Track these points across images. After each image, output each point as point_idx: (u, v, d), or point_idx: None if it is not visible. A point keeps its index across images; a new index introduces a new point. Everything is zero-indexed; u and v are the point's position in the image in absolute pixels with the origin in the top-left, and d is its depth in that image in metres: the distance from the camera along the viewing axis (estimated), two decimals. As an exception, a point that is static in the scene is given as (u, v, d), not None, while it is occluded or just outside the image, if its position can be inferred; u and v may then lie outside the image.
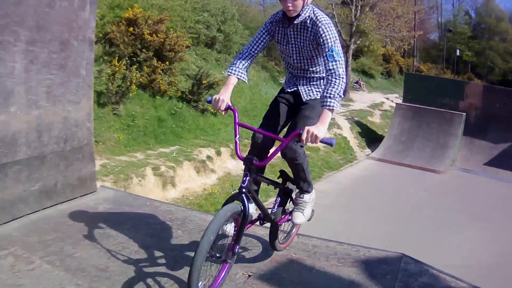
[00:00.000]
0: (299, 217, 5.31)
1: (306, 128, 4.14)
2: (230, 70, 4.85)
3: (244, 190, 4.31)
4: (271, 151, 4.82)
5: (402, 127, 25.40)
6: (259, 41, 4.97)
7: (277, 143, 4.66)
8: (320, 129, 4.19)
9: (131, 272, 5.38)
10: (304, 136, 4.15)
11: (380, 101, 37.96)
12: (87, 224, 6.47)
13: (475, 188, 20.54)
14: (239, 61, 4.91)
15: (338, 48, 4.50)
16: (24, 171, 6.41)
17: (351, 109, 31.17)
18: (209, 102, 4.66)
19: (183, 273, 5.31)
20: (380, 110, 34.46)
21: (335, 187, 18.15)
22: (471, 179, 22.17)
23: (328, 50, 4.49)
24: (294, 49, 4.95)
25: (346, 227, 13.86)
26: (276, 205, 5.34)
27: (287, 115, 5.23)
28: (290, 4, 4.47)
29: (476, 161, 24.11)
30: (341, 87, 4.44)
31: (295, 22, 4.70)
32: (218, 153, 16.21)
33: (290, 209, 5.55)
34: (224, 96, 4.62)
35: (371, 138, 26.59)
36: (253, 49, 4.97)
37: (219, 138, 17.52)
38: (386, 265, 5.95)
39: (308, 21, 4.66)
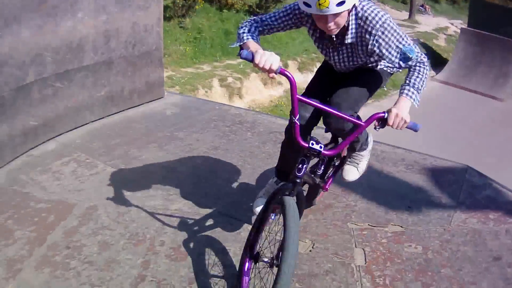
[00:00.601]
0: (353, 173, 4.56)
1: (395, 110, 3.37)
2: (248, 36, 3.87)
3: (299, 180, 3.44)
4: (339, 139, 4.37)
5: (466, 52, 25.23)
6: (281, 24, 3.98)
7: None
8: (407, 113, 3.45)
9: (198, 172, 5.64)
10: (391, 121, 3.39)
11: (445, 26, 37.34)
12: (154, 128, 6.76)
13: None
14: (253, 29, 3.99)
15: (406, 43, 3.57)
16: (90, 77, 6.58)
17: (416, 31, 31.06)
18: (245, 58, 3.39)
19: (250, 174, 5.66)
20: (444, 34, 34.08)
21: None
22: None
23: (399, 55, 3.58)
24: (342, 61, 4.00)
25: (411, 140, 14.14)
26: (322, 169, 4.20)
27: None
28: (331, 24, 3.38)
29: None
30: (426, 76, 3.66)
31: (344, 41, 3.69)
32: (285, 66, 16.13)
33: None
34: (273, 54, 3.29)
35: (436, 60, 26.43)
36: (269, 27, 4.03)
37: (286, 51, 17.75)
38: (452, 174, 6.24)
39: (359, 33, 3.61)
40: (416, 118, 5.29)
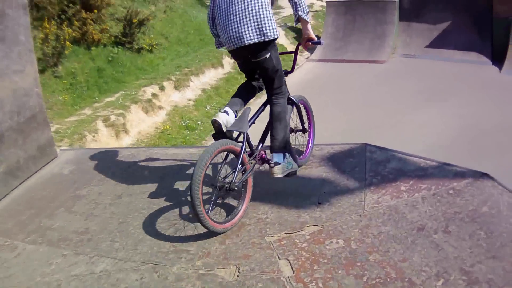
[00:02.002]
0: None
1: (305, 36, 6.23)
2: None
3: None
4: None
5: (337, 24, 25.45)
6: None
7: None
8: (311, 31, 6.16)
9: (110, 226, 5.70)
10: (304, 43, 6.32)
11: (310, 3, 37.70)
12: (57, 192, 6.72)
13: (422, 71, 21.18)
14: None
15: None
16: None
17: (282, 16, 30.88)
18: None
19: (157, 213, 5.79)
20: (311, 11, 34.32)
21: None
22: (416, 63, 22.71)
23: None
24: None
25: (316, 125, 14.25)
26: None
27: None
28: None
29: (417, 44, 24.46)
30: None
31: None
32: (162, 88, 16.43)
33: None
34: None
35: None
36: None
37: (159, 73, 17.73)
38: (352, 158, 6.38)
39: None
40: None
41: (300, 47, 6.43)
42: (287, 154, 5.69)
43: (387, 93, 17.85)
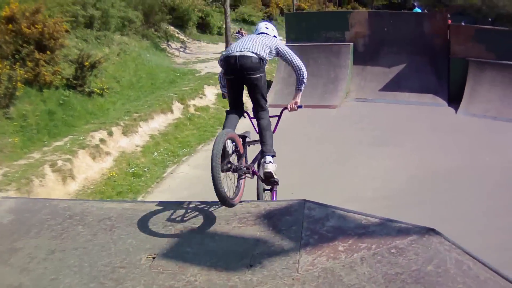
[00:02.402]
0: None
1: (293, 101, 8.32)
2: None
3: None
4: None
5: (289, 69, 24.75)
6: None
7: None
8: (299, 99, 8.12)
9: (42, 283, 5.38)
10: (290, 107, 8.35)
11: None
12: None
13: (375, 116, 21.11)
14: None
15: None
16: None
17: None
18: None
19: (88, 271, 5.43)
20: None
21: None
22: (369, 107, 22.66)
23: None
24: None
25: (248, 183, 13.98)
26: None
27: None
28: None
29: (371, 88, 24.47)
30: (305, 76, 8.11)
31: None
32: (110, 134, 16.15)
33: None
34: None
35: None
36: None
37: (109, 118, 17.52)
38: (289, 215, 5.97)
39: None
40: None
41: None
42: (274, 157, 7.21)
43: (337, 141, 17.71)
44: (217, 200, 5.90)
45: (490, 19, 78.17)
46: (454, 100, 22.91)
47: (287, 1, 55.47)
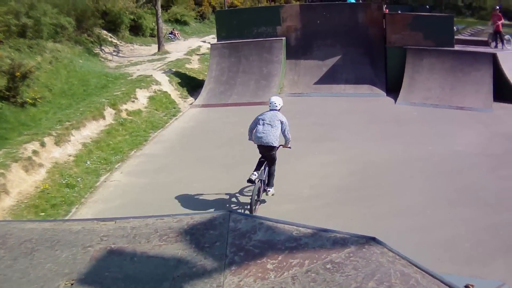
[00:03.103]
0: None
1: (287, 145, 12.64)
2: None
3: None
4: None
5: (221, 67, 24.95)
6: None
7: None
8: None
9: None
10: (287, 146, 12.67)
11: (197, 46, 37.85)
12: None
13: (310, 111, 20.89)
14: None
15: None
16: None
17: (168, 61, 30.66)
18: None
19: None
20: (197, 55, 34.34)
21: (163, 147, 17.78)
22: (304, 102, 22.44)
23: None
24: None
25: (182, 187, 13.69)
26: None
27: None
28: None
29: (305, 82, 24.29)
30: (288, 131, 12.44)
31: None
32: (43, 145, 15.49)
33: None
34: None
35: (192, 85, 26.17)
36: None
37: (41, 128, 16.85)
38: (213, 229, 5.48)
39: None
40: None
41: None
42: (273, 187, 12.53)
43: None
44: (140, 215, 5.89)
45: (427, 7, 79.26)
46: (393, 89, 22.93)
47: (220, -1, 55.31)
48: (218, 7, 53.76)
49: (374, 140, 16.88)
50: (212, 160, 15.92)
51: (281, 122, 12.00)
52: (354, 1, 30.96)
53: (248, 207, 11.82)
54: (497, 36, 26.53)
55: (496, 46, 26.22)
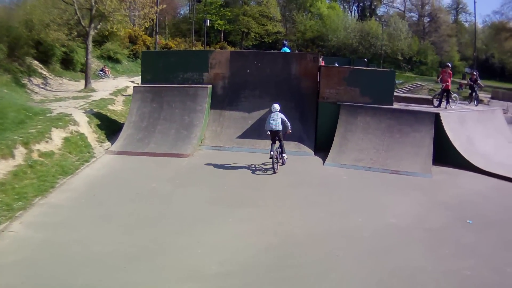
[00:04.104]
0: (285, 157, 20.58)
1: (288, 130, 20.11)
2: None
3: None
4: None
5: (142, 112, 23.30)
6: None
7: None
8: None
9: None
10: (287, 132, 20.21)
11: (124, 86, 36.71)
12: None
13: (229, 169, 19.59)
14: None
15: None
16: None
17: (91, 100, 29.15)
18: None
19: None
20: (123, 95, 32.96)
21: (69, 197, 15.78)
22: (224, 157, 21.05)
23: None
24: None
25: (79, 249, 12.00)
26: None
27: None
28: None
29: (228, 135, 23.04)
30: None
31: None
32: None
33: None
34: None
35: (112, 129, 24.36)
36: None
37: None
38: None
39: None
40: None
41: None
42: (285, 153, 20.30)
43: (183, 200, 15.87)
44: None
45: (365, 60, 78.96)
46: (323, 148, 21.82)
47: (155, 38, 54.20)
48: (153, 47, 52.39)
49: (298, 207, 15.24)
50: (117, 218, 14.13)
51: (282, 119, 19.42)
52: (289, 50, 29.39)
53: (271, 168, 19.26)
54: (443, 94, 25.32)
55: (439, 105, 25.15)
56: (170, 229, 13.32)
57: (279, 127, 19.36)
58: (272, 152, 19.13)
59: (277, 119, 19.37)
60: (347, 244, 12.63)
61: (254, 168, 19.56)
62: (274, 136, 19.54)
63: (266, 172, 19.47)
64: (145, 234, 12.76)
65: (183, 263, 11.20)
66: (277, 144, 19.57)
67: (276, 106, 19.80)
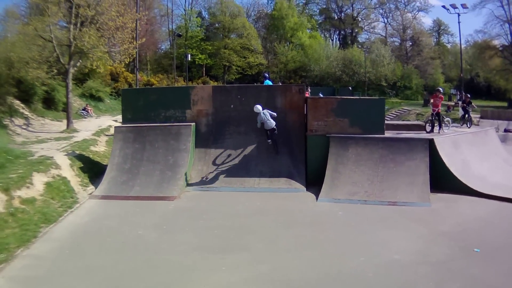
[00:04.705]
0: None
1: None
2: None
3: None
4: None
5: (124, 153, 22.50)
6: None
7: None
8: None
9: None
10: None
11: (107, 125, 35.90)
12: None
13: (218, 209, 18.65)
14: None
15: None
16: None
17: (73, 141, 28.27)
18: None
19: None
20: (106, 135, 32.07)
21: (52, 247, 14.85)
22: (213, 198, 20.20)
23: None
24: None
25: None
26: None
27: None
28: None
29: (216, 174, 22.17)
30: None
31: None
32: None
33: None
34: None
35: (95, 171, 23.47)
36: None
37: None
38: None
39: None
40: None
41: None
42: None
43: (169, 248, 14.90)
44: None
45: (350, 88, 78.66)
46: (314, 183, 20.89)
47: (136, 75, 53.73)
48: (135, 84, 51.81)
49: (292, 250, 14.25)
50: (101, 270, 13.15)
51: (270, 114, 21.83)
52: (271, 83, 28.78)
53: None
54: (434, 119, 24.69)
55: (432, 130, 24.48)
56: (159, 280, 12.44)
57: (273, 125, 21.83)
58: (269, 142, 22.37)
59: (269, 118, 21.77)
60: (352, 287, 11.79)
61: (243, 209, 18.50)
62: (270, 132, 22.10)
63: (257, 213, 18.18)
64: (132, 287, 11.96)
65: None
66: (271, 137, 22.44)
67: (259, 107, 22.05)
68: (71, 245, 15.08)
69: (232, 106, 23.81)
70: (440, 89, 27.52)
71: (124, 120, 24.62)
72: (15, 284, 12.28)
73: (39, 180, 19.21)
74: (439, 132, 24.30)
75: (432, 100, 25.89)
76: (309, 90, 40.27)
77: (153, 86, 51.08)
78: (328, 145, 21.46)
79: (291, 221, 16.91)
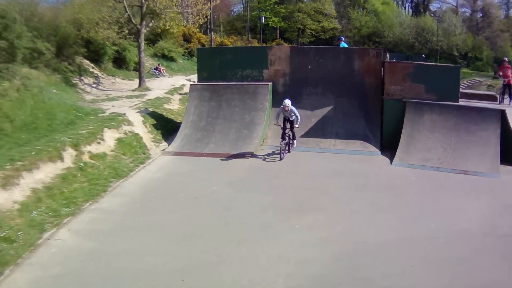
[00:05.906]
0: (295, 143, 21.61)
1: (295, 125, 20.79)
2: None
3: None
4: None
5: (200, 111, 22.66)
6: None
7: None
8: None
9: None
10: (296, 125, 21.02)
11: (180, 85, 36.02)
12: None
13: (294, 169, 18.70)
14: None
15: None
16: None
17: (146, 99, 28.64)
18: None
19: None
20: (180, 94, 32.31)
21: (122, 202, 15.07)
22: (288, 157, 20.28)
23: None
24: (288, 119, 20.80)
25: (131, 260, 11.40)
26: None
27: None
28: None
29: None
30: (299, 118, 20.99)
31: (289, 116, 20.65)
32: None
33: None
34: None
35: (168, 129, 23.78)
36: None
37: None
38: None
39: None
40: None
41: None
42: (296, 141, 21.24)
43: (243, 206, 14.97)
44: None
45: (423, 55, 77.36)
46: (389, 147, 20.66)
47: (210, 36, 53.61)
48: (208, 45, 51.77)
49: (366, 213, 14.23)
50: (172, 226, 13.33)
51: (295, 115, 20.27)
52: (347, 45, 28.45)
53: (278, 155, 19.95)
54: (505, 89, 24.30)
55: (502, 101, 24.21)
56: (231, 237, 12.60)
57: (294, 121, 20.57)
58: (285, 139, 20.44)
59: (292, 113, 20.36)
60: (421, 253, 11.68)
61: (318, 169, 18.54)
62: (290, 125, 20.64)
63: (332, 174, 18.15)
64: (203, 243, 12.10)
65: (246, 276, 10.55)
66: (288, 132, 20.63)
67: (288, 102, 20.19)
68: (142, 200, 15.37)
69: (309, 67, 23.42)
70: (506, 59, 27.04)
71: (200, 79, 24.66)
72: (81, 238, 12.48)
73: (110, 136, 19.60)
74: (510, 104, 23.86)
75: (501, 72, 25.42)
76: (388, 56, 39.82)
77: (221, 46, 51.05)
78: (404, 110, 21.13)
79: (365, 184, 16.84)
